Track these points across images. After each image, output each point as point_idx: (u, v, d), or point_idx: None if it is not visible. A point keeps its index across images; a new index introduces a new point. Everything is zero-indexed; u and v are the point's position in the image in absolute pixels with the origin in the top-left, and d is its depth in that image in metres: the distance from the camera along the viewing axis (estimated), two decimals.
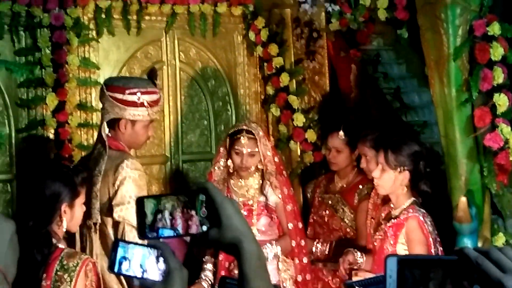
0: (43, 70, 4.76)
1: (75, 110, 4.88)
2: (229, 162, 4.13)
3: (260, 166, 4.12)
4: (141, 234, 1.22)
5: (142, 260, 1.27)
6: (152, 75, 3.77)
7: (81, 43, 4.92)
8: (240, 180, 4.17)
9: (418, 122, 5.42)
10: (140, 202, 1.21)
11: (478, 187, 4.20)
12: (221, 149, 4.23)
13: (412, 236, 3.60)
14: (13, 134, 4.78)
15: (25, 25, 4.78)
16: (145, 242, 1.31)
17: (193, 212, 1.21)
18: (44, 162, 4.69)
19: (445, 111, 4.18)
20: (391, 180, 3.66)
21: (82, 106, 4.92)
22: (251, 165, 4.07)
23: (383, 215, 3.87)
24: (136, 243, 1.29)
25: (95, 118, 4.90)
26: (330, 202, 4.55)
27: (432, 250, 3.57)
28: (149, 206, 1.21)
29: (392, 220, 3.68)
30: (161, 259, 1.25)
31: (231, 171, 4.17)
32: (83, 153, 4.71)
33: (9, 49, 4.65)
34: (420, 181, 3.66)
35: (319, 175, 5.09)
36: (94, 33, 5.02)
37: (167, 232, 1.21)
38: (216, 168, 4.22)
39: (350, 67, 5.46)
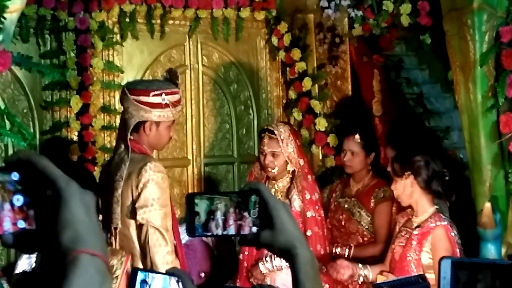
0: (68, 73, 4.80)
1: (99, 113, 4.92)
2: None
3: (289, 168, 4.11)
4: (191, 232, 1.21)
5: (163, 286, 1.28)
6: (171, 75, 3.78)
7: (105, 47, 4.96)
8: (273, 181, 4.18)
9: (440, 127, 5.41)
10: (190, 200, 1.21)
11: (503, 193, 4.18)
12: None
13: (439, 245, 3.58)
14: (37, 136, 4.82)
15: (50, 28, 4.83)
16: (163, 270, 1.32)
17: (245, 213, 1.21)
18: (68, 167, 4.71)
19: (470, 117, 4.17)
20: (401, 188, 3.69)
21: (106, 109, 4.96)
22: (273, 166, 4.07)
23: (401, 221, 3.86)
24: (155, 271, 1.30)
25: (119, 121, 4.92)
26: (346, 206, 4.56)
27: None
28: (202, 205, 1.20)
29: (418, 228, 3.67)
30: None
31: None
32: (106, 155, 4.74)
33: (34, 52, 4.69)
34: (430, 183, 3.65)
35: (332, 180, 5.10)
36: (118, 37, 5.06)
37: (218, 231, 1.20)
38: (255, 168, 4.26)
39: (373, 72, 5.46)
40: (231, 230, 1.20)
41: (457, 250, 3.56)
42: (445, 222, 3.61)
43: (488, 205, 4.11)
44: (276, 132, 4.05)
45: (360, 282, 3.97)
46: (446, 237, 3.58)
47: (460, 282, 1.12)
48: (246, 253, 4.13)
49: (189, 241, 4.77)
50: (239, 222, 1.21)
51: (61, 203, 0.95)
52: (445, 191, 3.68)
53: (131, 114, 3.59)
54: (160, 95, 3.59)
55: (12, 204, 0.95)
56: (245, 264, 4.13)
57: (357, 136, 4.48)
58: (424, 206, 3.68)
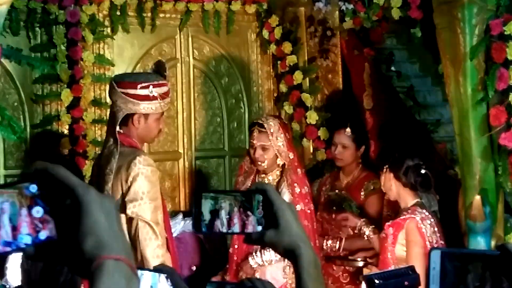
0: (58, 66, 4.78)
1: (90, 106, 4.91)
2: None
3: (279, 162, 4.11)
4: (197, 229, 1.23)
5: (153, 283, 1.29)
6: (159, 67, 3.78)
7: (96, 40, 4.95)
8: (263, 175, 4.17)
9: (431, 120, 5.43)
10: (197, 196, 1.23)
11: (492, 186, 4.20)
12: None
13: (409, 237, 3.67)
14: (28, 130, 4.81)
15: (41, 21, 4.80)
16: (151, 267, 1.32)
17: (249, 212, 1.23)
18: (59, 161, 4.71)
19: (461, 110, 4.19)
20: (383, 182, 3.82)
21: (97, 102, 4.95)
22: (262, 159, 4.06)
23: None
24: (143, 268, 1.30)
25: None
26: (336, 198, 4.58)
27: None
28: (207, 204, 1.23)
29: (392, 220, 3.75)
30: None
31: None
32: (97, 149, 4.73)
33: (25, 45, 4.66)
34: (406, 175, 3.73)
35: (323, 173, 5.12)
36: (109, 30, 5.05)
37: (223, 230, 1.23)
38: (245, 161, 4.26)
39: (364, 65, 5.47)
40: (236, 228, 1.23)
41: (427, 243, 3.63)
42: (417, 215, 3.67)
43: (478, 197, 4.14)
44: (265, 125, 4.05)
45: (365, 237, 4.12)
46: (416, 230, 3.65)
47: (450, 273, 1.13)
48: (236, 246, 4.13)
49: (179, 234, 4.78)
50: (243, 221, 1.24)
51: (81, 210, 0.95)
52: (421, 184, 3.74)
53: (119, 107, 3.58)
54: (147, 87, 3.58)
55: (31, 216, 0.94)
56: (235, 258, 4.13)
57: (348, 130, 4.49)
58: (406, 200, 3.77)
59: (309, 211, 4.13)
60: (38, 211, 0.94)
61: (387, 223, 3.75)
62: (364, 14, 5.40)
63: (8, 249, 0.92)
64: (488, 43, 4.08)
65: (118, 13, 5.02)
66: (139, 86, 3.57)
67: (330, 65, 5.48)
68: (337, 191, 4.59)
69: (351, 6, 5.41)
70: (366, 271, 3.82)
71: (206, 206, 1.22)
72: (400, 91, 5.56)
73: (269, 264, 3.99)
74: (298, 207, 4.06)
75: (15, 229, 0.93)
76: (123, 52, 5.14)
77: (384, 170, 3.77)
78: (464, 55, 4.09)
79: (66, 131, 4.86)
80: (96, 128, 4.96)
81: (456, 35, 4.10)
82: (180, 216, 4.93)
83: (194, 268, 4.74)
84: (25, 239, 0.93)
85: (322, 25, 5.44)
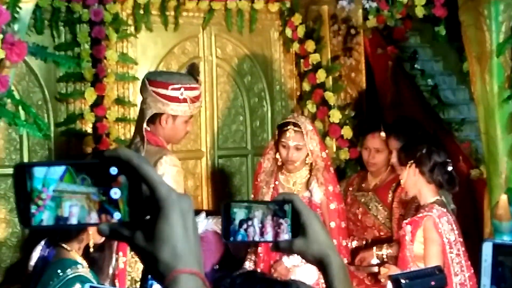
0: (83, 64, 4.80)
1: (113, 105, 4.92)
2: (278, 155, 4.11)
3: (308, 161, 4.08)
4: (227, 238, 1.25)
5: None
6: (193, 70, 3.78)
7: (119, 39, 4.95)
8: (288, 173, 4.15)
9: (455, 119, 5.38)
10: (226, 207, 1.25)
11: None
12: (272, 141, 4.24)
13: (426, 235, 3.64)
14: (52, 128, 4.82)
15: (65, 20, 4.82)
16: None
17: (281, 221, 1.28)
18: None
19: (487, 108, 4.15)
20: (405, 177, 3.74)
21: (120, 101, 4.96)
22: (297, 159, 4.03)
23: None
24: None
25: (133, 112, 4.94)
26: (363, 200, 4.54)
27: (448, 250, 3.61)
28: (240, 213, 1.25)
29: (410, 217, 3.72)
30: None
31: (279, 164, 4.15)
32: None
33: (49, 44, 4.68)
34: (432, 172, 3.68)
35: (346, 172, 5.10)
36: (132, 28, 5.06)
37: (255, 238, 1.26)
38: (265, 160, 4.21)
39: (387, 64, 5.44)
40: (269, 236, 1.27)
41: (445, 240, 3.61)
42: (434, 213, 3.64)
43: (504, 197, 4.10)
44: (301, 125, 4.02)
45: (384, 260, 4.06)
46: (434, 228, 3.62)
47: (502, 266, 1.12)
48: (261, 255, 4.11)
49: (203, 233, 4.77)
50: (278, 229, 1.28)
51: (160, 214, 0.95)
52: (447, 181, 3.72)
53: (149, 105, 3.60)
54: (179, 89, 3.59)
55: (109, 197, 0.95)
56: (261, 266, 4.11)
57: (382, 134, 4.42)
58: (427, 196, 3.72)
59: (342, 210, 4.14)
60: (115, 193, 0.95)
61: (405, 221, 3.73)
62: (388, 12, 5.38)
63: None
64: None
65: (142, 11, 5.03)
66: (170, 87, 3.58)
67: (354, 64, 5.47)
68: (364, 192, 4.55)
69: (374, 4, 5.39)
70: (383, 270, 3.79)
71: (239, 215, 1.25)
72: (424, 90, 5.51)
73: (305, 263, 3.96)
74: (332, 206, 4.06)
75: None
76: (146, 51, 5.14)
77: (409, 165, 3.72)
78: (490, 53, 4.06)
79: (89, 130, 4.88)
80: (120, 127, 4.98)
81: (482, 32, 4.07)
82: (203, 214, 4.91)
83: (217, 267, 4.74)
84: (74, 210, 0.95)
85: (345, 24, 5.42)
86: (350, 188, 4.68)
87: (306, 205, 1.32)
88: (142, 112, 3.65)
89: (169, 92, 3.57)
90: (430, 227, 3.61)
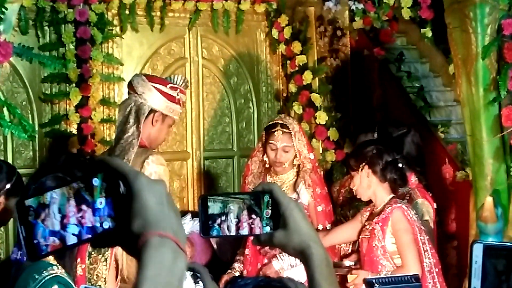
0: (68, 65, 4.77)
1: (98, 106, 4.90)
2: (265, 157, 4.09)
3: (296, 162, 4.07)
4: (205, 233, 1.22)
5: None
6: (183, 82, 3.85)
7: (104, 39, 4.94)
8: (276, 175, 4.12)
9: (442, 121, 5.40)
10: (203, 201, 1.22)
11: (504, 187, 4.16)
12: (259, 144, 4.21)
13: (398, 226, 3.63)
14: (36, 129, 4.78)
15: (49, 20, 4.81)
16: None
17: (258, 214, 1.22)
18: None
19: (472, 110, 4.15)
20: (358, 181, 3.75)
21: (105, 102, 4.94)
22: (285, 160, 4.01)
23: (365, 216, 3.87)
24: None
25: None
26: (355, 201, 4.53)
27: (419, 238, 3.62)
28: (215, 207, 1.21)
29: (377, 216, 3.71)
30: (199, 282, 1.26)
31: (267, 166, 4.12)
32: (106, 148, 4.71)
33: (33, 44, 4.64)
34: (384, 171, 3.69)
35: (333, 174, 5.09)
36: (118, 29, 5.05)
37: (231, 233, 1.22)
38: (253, 162, 4.19)
39: (374, 65, 5.44)
40: (245, 231, 1.22)
41: (416, 229, 3.61)
42: (401, 204, 3.65)
43: (489, 199, 4.10)
44: (289, 126, 4.00)
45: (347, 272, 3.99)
46: (404, 217, 3.62)
47: (492, 268, 1.11)
48: (248, 257, 4.08)
49: (188, 234, 4.75)
50: (252, 223, 1.22)
51: (132, 195, 0.98)
52: (400, 178, 3.74)
53: (145, 100, 3.59)
54: (176, 89, 3.66)
55: (94, 208, 0.97)
56: (249, 269, 4.08)
57: (376, 135, 4.41)
58: (382, 196, 3.74)
59: (329, 212, 4.12)
60: (101, 202, 0.98)
61: (374, 221, 3.70)
62: (374, 14, 5.39)
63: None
64: (500, 43, 4.05)
65: (127, 12, 5.01)
66: (168, 85, 3.65)
67: (340, 65, 5.46)
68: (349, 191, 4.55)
69: (361, 6, 5.40)
70: (351, 278, 3.76)
71: (215, 210, 1.21)
72: (411, 91, 5.52)
73: (293, 267, 3.94)
74: (320, 208, 4.04)
75: (64, 218, 0.97)
76: (132, 52, 5.12)
77: (361, 168, 3.73)
78: (476, 55, 4.05)
79: (74, 131, 4.86)
80: (105, 128, 4.95)
81: (468, 35, 4.06)
82: (189, 216, 4.91)
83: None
84: (72, 229, 0.97)
85: (332, 25, 5.42)
86: (343, 190, 4.67)
87: (286, 195, 1.25)
88: (137, 108, 3.60)
89: (167, 90, 3.62)
90: (400, 217, 3.61)
